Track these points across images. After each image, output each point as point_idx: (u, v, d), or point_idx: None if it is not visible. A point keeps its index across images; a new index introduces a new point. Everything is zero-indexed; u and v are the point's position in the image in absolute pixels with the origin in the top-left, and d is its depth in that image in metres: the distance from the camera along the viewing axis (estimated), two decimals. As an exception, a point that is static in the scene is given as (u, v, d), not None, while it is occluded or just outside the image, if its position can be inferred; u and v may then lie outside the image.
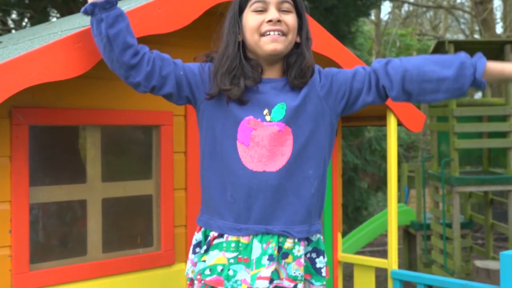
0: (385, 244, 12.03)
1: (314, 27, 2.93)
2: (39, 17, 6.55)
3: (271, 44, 1.92)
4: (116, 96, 2.65)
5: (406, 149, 17.59)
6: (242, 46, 1.98)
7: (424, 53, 20.70)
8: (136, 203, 2.76)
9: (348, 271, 6.88)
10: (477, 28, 18.52)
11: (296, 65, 1.98)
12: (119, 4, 2.16)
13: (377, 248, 12.13)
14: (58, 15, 7.25)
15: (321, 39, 2.93)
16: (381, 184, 13.87)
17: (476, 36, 19.90)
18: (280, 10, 1.94)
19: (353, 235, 8.87)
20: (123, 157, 2.77)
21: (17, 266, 2.36)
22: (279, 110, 1.95)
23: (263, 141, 1.93)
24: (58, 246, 2.57)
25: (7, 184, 2.36)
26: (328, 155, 2.06)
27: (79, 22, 2.59)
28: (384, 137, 10.92)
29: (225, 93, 1.94)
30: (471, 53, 1.98)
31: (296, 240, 1.95)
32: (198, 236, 2.06)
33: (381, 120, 3.45)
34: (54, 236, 2.57)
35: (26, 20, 10.34)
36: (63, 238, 2.60)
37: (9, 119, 2.36)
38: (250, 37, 1.95)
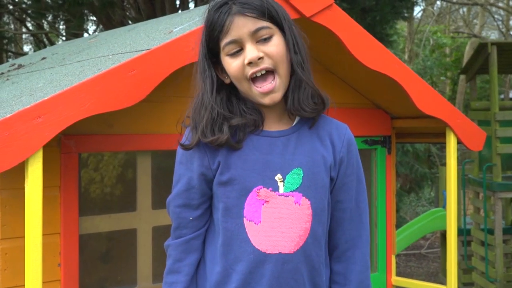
0: (421, 247, 11.82)
1: (375, 46, 2.79)
2: (77, 23, 6.50)
3: (266, 97, 1.55)
4: (166, 120, 2.53)
5: (440, 148, 17.30)
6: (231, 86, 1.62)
7: (458, 51, 20.33)
8: (186, 230, 2.64)
9: None
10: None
11: (297, 89, 1.60)
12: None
13: (413, 251, 11.91)
14: (94, 20, 7.20)
15: (383, 58, 2.78)
16: (414, 185, 13.65)
17: (513, 33, 19.45)
18: (258, 41, 1.54)
19: (391, 240, 8.69)
20: (174, 183, 2.65)
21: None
22: (295, 177, 1.59)
23: (278, 216, 1.57)
24: (107, 277, 2.47)
25: (56, 215, 2.26)
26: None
27: (130, 43, 2.47)
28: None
29: (212, 144, 1.56)
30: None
31: None
32: None
33: (439, 137, 3.28)
34: (104, 267, 2.47)
35: (61, 23, 10.36)
36: (113, 269, 2.49)
37: (58, 148, 2.25)
38: (239, 85, 1.58)
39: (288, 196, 1.58)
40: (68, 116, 1.92)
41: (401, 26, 20.95)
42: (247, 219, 1.57)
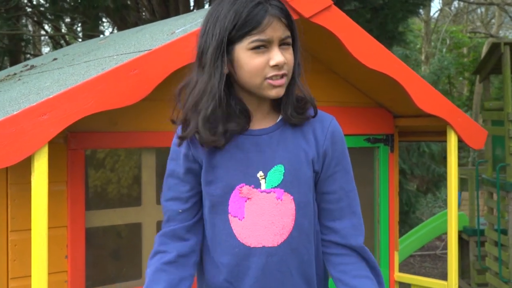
0: (436, 248, 11.78)
1: (375, 45, 2.85)
2: (92, 24, 6.62)
3: (273, 90, 1.59)
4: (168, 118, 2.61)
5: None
6: (228, 78, 1.62)
7: (475, 51, 20.19)
8: (190, 225, 2.73)
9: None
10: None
11: (290, 96, 1.64)
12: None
13: (427, 252, 11.88)
14: (110, 22, 7.32)
15: (383, 58, 2.84)
16: (431, 185, 13.59)
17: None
18: (280, 45, 1.59)
19: (405, 239, 8.71)
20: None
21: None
22: (276, 174, 1.63)
23: (260, 212, 1.63)
24: (113, 270, 2.56)
25: (63, 209, 2.35)
26: (316, 220, 1.75)
27: (134, 44, 2.56)
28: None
29: (207, 144, 1.60)
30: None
31: None
32: None
33: (441, 135, 3.33)
34: (110, 260, 2.56)
35: (79, 24, 10.52)
36: (118, 262, 2.58)
37: (65, 144, 2.35)
38: (249, 79, 1.59)
39: (270, 193, 1.63)
40: (72, 113, 2.01)
41: (418, 26, 20.87)
42: (231, 215, 1.63)
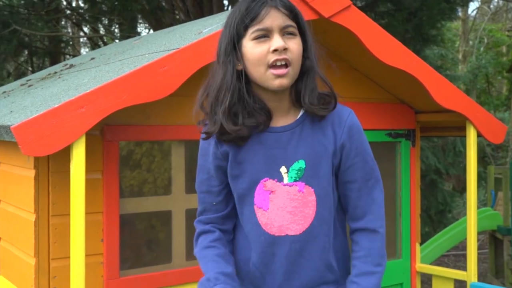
0: (470, 248, 11.68)
1: (393, 43, 2.97)
2: (129, 26, 6.87)
3: (276, 80, 1.68)
4: (199, 112, 2.79)
5: (495, 149, 17.03)
6: (243, 76, 1.73)
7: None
8: (217, 213, 2.89)
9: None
10: None
11: (309, 88, 1.74)
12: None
13: (462, 252, 11.80)
14: (145, 23, 7.55)
15: (401, 55, 2.96)
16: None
17: None
18: (283, 35, 1.69)
19: (438, 238, 8.72)
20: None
21: (108, 273, 2.54)
22: (297, 168, 1.76)
23: (283, 204, 1.76)
24: (145, 254, 2.74)
25: (99, 196, 2.55)
26: (336, 210, 1.88)
27: (165, 43, 2.75)
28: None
29: (232, 134, 1.72)
30: None
31: None
32: None
33: (461, 130, 3.42)
34: (142, 244, 2.75)
35: (116, 26, 10.82)
36: (150, 246, 2.77)
37: (101, 136, 2.54)
38: (254, 70, 1.70)
39: (292, 186, 1.76)
40: (107, 106, 2.21)
41: (456, 25, 20.67)
42: (257, 206, 1.77)
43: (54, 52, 10.58)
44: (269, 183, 1.76)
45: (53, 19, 9.99)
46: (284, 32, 1.69)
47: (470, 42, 20.67)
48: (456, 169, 11.83)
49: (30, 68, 11.51)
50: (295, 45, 1.70)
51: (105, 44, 10.79)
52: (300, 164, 1.76)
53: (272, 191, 1.76)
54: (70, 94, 2.39)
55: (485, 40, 20.51)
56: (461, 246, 11.81)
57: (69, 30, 13.10)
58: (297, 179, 1.76)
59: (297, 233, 1.76)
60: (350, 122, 1.80)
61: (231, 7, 8.51)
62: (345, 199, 1.84)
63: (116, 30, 11.26)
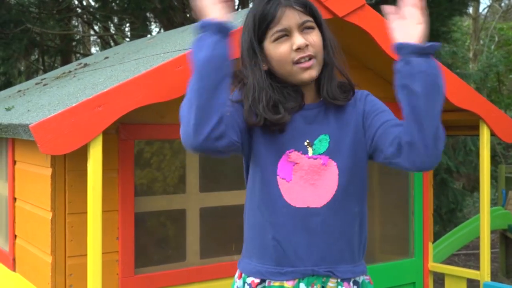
0: (481, 247, 11.64)
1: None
2: (141, 25, 6.89)
3: (305, 73, 1.75)
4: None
5: (505, 147, 16.95)
6: (269, 74, 1.79)
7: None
8: (231, 212, 2.91)
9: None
10: None
11: (328, 80, 1.80)
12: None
13: (473, 251, 11.76)
14: (156, 22, 7.58)
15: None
16: (477, 184, 13.42)
17: None
18: (302, 30, 1.75)
19: (448, 237, 8.69)
20: (219, 169, 2.92)
21: (124, 270, 2.56)
22: (322, 142, 1.80)
23: (306, 176, 1.78)
24: (159, 252, 2.76)
25: (115, 194, 2.57)
26: (366, 191, 1.90)
27: (180, 42, 2.76)
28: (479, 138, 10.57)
29: (276, 123, 1.76)
30: None
31: (339, 281, 1.81)
32: (239, 284, 1.88)
33: (474, 129, 3.42)
34: (156, 243, 2.77)
35: (127, 25, 10.86)
36: (164, 244, 2.79)
37: (117, 135, 2.56)
38: (281, 68, 1.77)
39: (316, 159, 1.79)
40: (124, 105, 2.22)
41: (467, 23, 20.58)
42: (280, 177, 1.78)
43: (66, 51, 10.63)
44: (293, 155, 1.79)
45: (65, 18, 10.04)
46: (303, 27, 1.74)
47: (481, 41, 20.57)
48: (466, 168, 11.79)
49: (41, 67, 11.58)
50: (315, 37, 1.76)
51: (116, 42, 10.84)
52: (325, 138, 1.81)
53: (296, 163, 1.79)
54: (87, 93, 2.41)
55: (496, 39, 20.41)
56: (472, 245, 11.77)
57: (80, 28, 13.15)
58: (321, 152, 1.80)
59: (318, 206, 1.78)
60: (365, 94, 1.87)
61: (241, 8, 8.52)
62: (387, 135, 1.76)
63: (127, 29, 11.31)
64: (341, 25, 2.80)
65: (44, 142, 2.11)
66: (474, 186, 13.48)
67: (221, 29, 1.66)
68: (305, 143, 1.81)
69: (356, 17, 2.80)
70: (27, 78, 11.93)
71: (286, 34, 1.74)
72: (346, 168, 1.80)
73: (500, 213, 9.01)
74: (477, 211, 13.60)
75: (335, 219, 1.79)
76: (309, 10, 1.78)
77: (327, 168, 1.79)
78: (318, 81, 1.82)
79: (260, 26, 1.76)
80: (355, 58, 3.24)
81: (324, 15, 2.66)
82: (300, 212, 1.78)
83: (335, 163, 1.80)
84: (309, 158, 1.80)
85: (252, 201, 1.87)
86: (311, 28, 1.76)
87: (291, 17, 1.74)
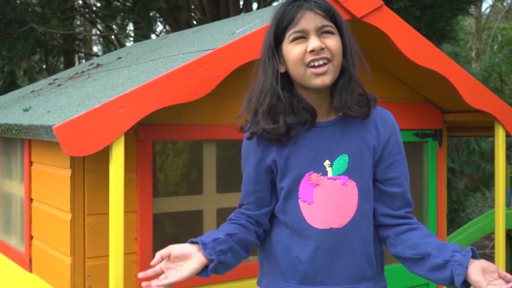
0: (485, 247, 11.67)
1: (424, 43, 2.97)
2: (146, 25, 6.88)
3: (317, 78, 1.73)
4: (229, 112, 2.80)
5: (508, 147, 16.95)
6: (286, 77, 1.80)
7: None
8: (247, 213, 2.90)
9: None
10: None
11: (343, 89, 1.78)
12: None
13: (480, 251, 11.79)
14: (162, 22, 7.57)
15: (432, 55, 2.96)
16: (480, 184, 13.42)
17: None
18: (320, 34, 1.73)
19: (453, 237, 8.69)
20: (236, 170, 2.91)
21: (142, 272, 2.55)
22: (341, 163, 1.81)
23: (328, 197, 1.80)
24: (177, 253, 2.75)
25: (133, 195, 2.56)
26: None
27: (197, 43, 2.76)
28: (482, 138, 10.59)
29: (269, 132, 1.78)
30: None
31: None
32: None
33: (488, 130, 3.42)
34: (174, 242, 2.75)
35: (129, 24, 10.85)
36: (182, 245, 2.78)
37: (135, 136, 2.56)
38: (295, 70, 1.76)
39: (336, 179, 1.80)
40: (145, 107, 2.22)
41: (469, 23, 20.58)
42: (301, 200, 1.81)
43: (69, 50, 10.63)
44: (313, 177, 1.80)
45: (69, 17, 10.04)
46: (321, 31, 1.73)
47: (483, 41, 20.56)
48: (470, 168, 11.78)
49: (44, 66, 11.58)
50: (333, 41, 1.74)
51: (119, 42, 10.83)
52: (344, 158, 1.81)
53: (316, 185, 1.80)
54: (108, 94, 2.40)
55: (499, 38, 20.41)
56: (476, 246, 11.79)
57: (83, 28, 13.15)
58: (341, 173, 1.80)
59: (340, 226, 1.80)
60: (392, 121, 1.88)
61: (246, 7, 8.52)
62: (384, 195, 1.85)
63: (130, 28, 11.31)
64: (358, 26, 2.79)
65: (67, 143, 2.11)
66: (476, 186, 13.47)
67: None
68: (325, 164, 1.82)
69: (374, 18, 2.80)
70: (30, 78, 11.92)
71: (303, 36, 1.74)
72: (364, 187, 1.82)
73: (505, 213, 9.00)
74: (479, 211, 13.60)
75: (356, 238, 1.82)
76: (332, 16, 1.77)
77: (347, 189, 1.81)
78: (334, 89, 1.79)
79: (280, 27, 1.77)
80: (369, 58, 3.24)
81: (342, 16, 2.67)
82: (323, 234, 1.81)
83: (354, 183, 1.82)
84: (329, 179, 1.81)
85: (276, 224, 1.89)
86: (330, 33, 1.75)
87: (310, 20, 1.74)
